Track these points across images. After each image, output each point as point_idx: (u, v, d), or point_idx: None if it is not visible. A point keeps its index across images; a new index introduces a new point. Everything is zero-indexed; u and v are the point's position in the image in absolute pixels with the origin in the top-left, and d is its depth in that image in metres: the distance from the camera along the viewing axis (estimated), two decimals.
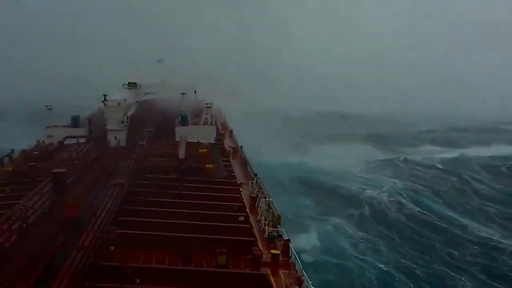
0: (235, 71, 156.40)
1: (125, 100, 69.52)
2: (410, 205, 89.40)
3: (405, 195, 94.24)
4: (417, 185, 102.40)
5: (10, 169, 53.38)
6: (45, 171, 48.02)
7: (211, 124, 75.51)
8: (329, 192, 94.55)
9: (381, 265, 65.65)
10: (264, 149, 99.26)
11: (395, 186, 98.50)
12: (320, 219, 79.74)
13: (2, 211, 37.06)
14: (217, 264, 33.88)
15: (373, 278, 62.51)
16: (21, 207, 34.67)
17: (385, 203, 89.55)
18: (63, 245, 33.40)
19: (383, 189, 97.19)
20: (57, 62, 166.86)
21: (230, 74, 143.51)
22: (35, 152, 60.88)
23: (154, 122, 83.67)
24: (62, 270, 29.45)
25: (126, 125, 67.12)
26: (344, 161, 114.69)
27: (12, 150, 62.12)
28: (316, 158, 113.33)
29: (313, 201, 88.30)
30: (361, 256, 68.02)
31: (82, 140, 66.81)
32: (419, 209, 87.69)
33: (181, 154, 58.69)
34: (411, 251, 70.73)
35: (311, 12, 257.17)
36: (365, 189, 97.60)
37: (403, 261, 67.62)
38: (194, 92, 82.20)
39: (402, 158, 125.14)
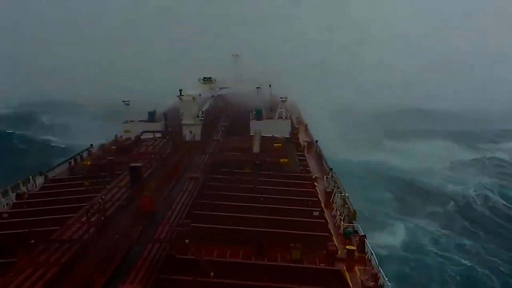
0: (312, 66, 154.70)
1: (200, 94, 70.21)
2: (497, 200, 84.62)
3: (493, 191, 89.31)
4: (504, 181, 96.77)
5: (89, 163, 54.99)
6: (122, 165, 49.07)
7: (285, 118, 74.95)
8: (409, 188, 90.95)
9: (465, 261, 62.55)
10: (341, 144, 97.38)
11: (482, 183, 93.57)
12: (399, 215, 77.05)
13: (82, 204, 38.08)
14: (291, 259, 33.27)
15: (454, 274, 59.65)
16: (99, 200, 35.36)
17: (471, 199, 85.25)
18: (140, 238, 33.88)
19: (469, 185, 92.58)
20: (133, 58, 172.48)
21: (307, 69, 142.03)
22: (113, 147, 62.56)
23: (228, 117, 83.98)
24: (138, 262, 29.67)
25: (201, 120, 67.67)
26: (425, 158, 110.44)
27: (91, 145, 64.20)
28: (396, 154, 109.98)
29: (391, 197, 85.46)
30: (441, 253, 65.07)
31: (158, 135, 67.99)
32: (505, 203, 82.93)
33: (256, 148, 58.42)
34: (497, 247, 66.99)
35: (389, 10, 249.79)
36: (448, 186, 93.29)
37: (488, 257, 64.18)
38: (269, 86, 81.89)
39: (488, 155, 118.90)
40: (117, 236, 32.30)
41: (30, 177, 50.15)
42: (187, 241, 31.78)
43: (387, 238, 66.00)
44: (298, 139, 73.65)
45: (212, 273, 29.60)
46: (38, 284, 26.23)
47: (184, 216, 37.29)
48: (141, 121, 73.68)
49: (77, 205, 39.56)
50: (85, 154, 60.58)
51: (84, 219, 33.40)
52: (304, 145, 69.81)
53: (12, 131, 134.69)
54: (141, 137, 67.03)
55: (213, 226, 37.00)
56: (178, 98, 67.49)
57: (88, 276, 27.74)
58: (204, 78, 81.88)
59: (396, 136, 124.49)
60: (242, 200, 43.05)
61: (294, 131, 77.01)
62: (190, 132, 66.18)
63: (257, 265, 32.22)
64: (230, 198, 43.79)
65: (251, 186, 46.82)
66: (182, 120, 67.11)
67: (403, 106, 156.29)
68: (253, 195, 44.61)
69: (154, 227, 35.06)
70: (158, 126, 72.35)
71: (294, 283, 29.40)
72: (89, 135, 77.24)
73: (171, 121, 72.93)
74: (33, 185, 49.93)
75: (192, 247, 31.51)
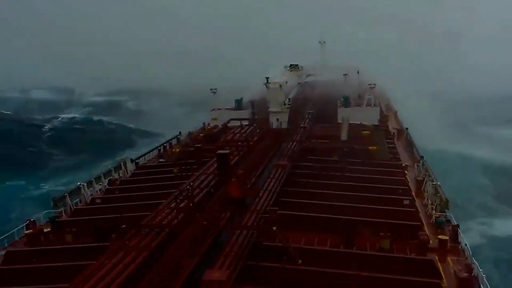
0: (407, 51, 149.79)
1: (286, 82, 69.58)
2: None
3: None
4: None
5: (177, 150, 56.10)
6: (210, 152, 49.49)
7: (374, 105, 73.03)
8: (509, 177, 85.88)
9: None
10: (432, 132, 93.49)
11: None
12: (496, 204, 72.98)
13: (171, 191, 38.68)
14: (381, 248, 32.35)
15: None
16: (188, 187, 35.69)
17: None
18: (227, 224, 33.92)
19: None
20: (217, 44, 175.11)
21: (397, 55, 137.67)
22: (201, 134, 63.51)
23: (315, 104, 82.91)
24: (226, 248, 29.62)
25: (287, 107, 67.15)
26: None
27: (180, 133, 65.51)
28: (492, 143, 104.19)
29: (487, 186, 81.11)
30: None
31: (246, 122, 68.22)
32: None
33: (343, 135, 57.29)
34: None
35: None
36: None
37: None
38: (357, 73, 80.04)
39: None
40: (205, 222, 32.42)
41: (122, 163, 51.85)
42: (274, 228, 31.43)
43: (483, 228, 62.77)
44: (387, 126, 71.65)
45: (299, 261, 29.10)
46: (130, 267, 26.74)
47: (271, 203, 37.03)
48: (228, 109, 74.34)
49: (166, 191, 40.29)
50: (174, 142, 61.85)
51: (173, 205, 33.77)
52: (393, 133, 67.75)
53: (100, 119, 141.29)
54: (228, 124, 67.53)
55: (301, 214, 36.59)
56: (264, 86, 67.32)
57: (177, 261, 27.98)
58: (291, 65, 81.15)
59: (493, 123, 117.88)
60: (330, 188, 42.34)
61: (383, 119, 75.05)
62: (277, 119, 65.85)
63: (346, 253, 31.51)
64: (318, 185, 43.21)
65: (339, 173, 45.96)
66: (269, 107, 66.89)
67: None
68: (341, 182, 43.70)
69: (241, 214, 34.98)
70: (245, 113, 72.70)
71: (384, 272, 28.32)
72: (177, 122, 78.96)
73: (258, 108, 73.00)
74: (124, 171, 51.60)
75: (280, 234, 31.15)
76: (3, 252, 34.53)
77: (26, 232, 37.62)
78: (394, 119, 79.52)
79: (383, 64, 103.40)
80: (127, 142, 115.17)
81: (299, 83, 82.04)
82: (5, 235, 36.71)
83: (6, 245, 36.27)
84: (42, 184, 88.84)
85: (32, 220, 39.13)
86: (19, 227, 37.98)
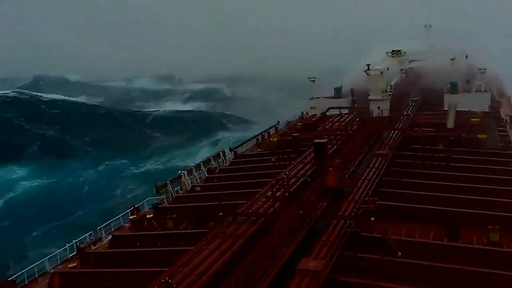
0: None
1: (388, 68, 67.36)
2: None
3: None
4: None
5: (275, 139, 56.01)
6: (307, 141, 48.88)
7: (484, 91, 68.79)
8: None
9: None
10: None
11: None
12: None
13: (268, 179, 38.56)
14: (489, 241, 30.23)
15: None
16: (284, 175, 35.38)
17: None
18: (324, 214, 33.26)
19: None
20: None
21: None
22: (299, 123, 62.98)
23: (419, 91, 79.46)
24: (322, 238, 29.02)
25: (389, 95, 64.96)
26: None
27: (278, 122, 65.41)
28: None
29: None
30: None
31: (345, 111, 66.75)
32: None
33: (450, 123, 54.45)
34: None
35: None
36: None
37: None
38: (465, 57, 75.87)
39: None
40: (301, 212, 31.98)
41: (221, 153, 52.63)
42: (372, 219, 30.41)
43: None
44: (499, 113, 67.07)
45: (399, 253, 27.86)
46: (226, 254, 26.93)
47: (370, 194, 35.84)
48: (327, 97, 73.12)
49: (263, 180, 40.31)
50: (272, 131, 61.84)
51: (269, 194, 33.61)
52: (506, 120, 63.27)
53: (197, 105, 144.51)
54: (327, 113, 66.45)
55: (402, 204, 35.26)
56: (365, 73, 65.59)
57: (273, 249, 27.80)
58: (393, 51, 78.39)
59: None
60: (434, 178, 40.63)
61: (495, 105, 70.39)
62: (378, 107, 63.95)
63: (450, 246, 29.79)
64: (421, 176, 41.56)
65: (444, 163, 43.68)
66: (369, 95, 65.06)
67: None
68: (446, 173, 41.59)
69: (338, 204, 34.19)
70: (344, 102, 71.23)
71: (492, 268, 26.34)
72: (273, 109, 78.99)
73: (358, 96, 71.21)
74: (223, 160, 52.34)
75: (378, 225, 30.10)
76: (109, 237, 36.30)
77: (130, 217, 39.29)
78: (508, 106, 74.38)
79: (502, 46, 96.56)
80: (222, 127, 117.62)
81: (401, 69, 79.05)
82: (112, 219, 38.55)
83: (112, 229, 38.06)
84: (141, 164, 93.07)
85: (136, 206, 40.81)
86: (124, 213, 39.75)
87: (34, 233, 65.17)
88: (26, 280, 31.44)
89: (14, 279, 30.72)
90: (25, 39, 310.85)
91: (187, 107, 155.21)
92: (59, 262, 33.58)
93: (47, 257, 32.96)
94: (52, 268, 32.65)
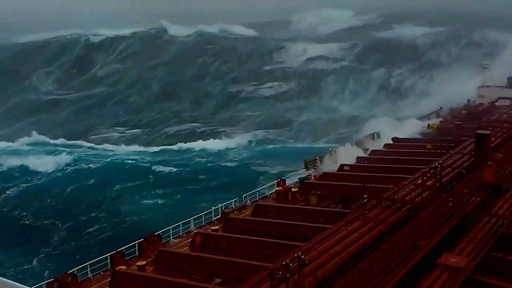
0: None
1: None
2: None
3: None
4: None
5: (435, 126, 53.57)
6: (470, 131, 46.03)
7: None
8: None
9: None
10: None
11: None
12: None
13: (421, 166, 37.05)
14: None
15: None
16: (438, 164, 33.79)
17: None
18: (476, 209, 31.39)
19: None
20: None
21: None
22: (464, 111, 59.43)
23: None
24: (470, 234, 27.55)
25: None
26: None
27: (441, 108, 62.30)
28: None
29: None
30: None
31: None
32: None
33: None
34: None
35: None
36: None
37: None
38: None
39: None
40: (450, 204, 30.47)
41: (375, 134, 51.67)
42: None
43: None
44: None
45: None
46: (365, 238, 26.49)
47: None
48: (499, 86, 67.81)
49: (416, 166, 38.94)
50: (433, 116, 59.25)
51: (419, 181, 32.29)
52: None
53: None
54: (496, 103, 61.82)
55: None
56: None
57: (414, 239, 26.95)
58: None
59: None
60: None
61: None
62: None
63: None
64: None
65: None
66: None
67: None
68: None
69: (494, 201, 32.00)
70: None
71: None
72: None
73: None
74: (377, 142, 51.33)
75: None
76: (253, 205, 37.70)
77: (276, 189, 40.34)
78: None
79: None
80: None
81: None
82: (258, 188, 39.98)
83: (257, 199, 39.48)
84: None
85: (283, 179, 41.78)
86: (270, 184, 40.94)
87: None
88: (171, 236, 33.83)
89: (160, 234, 33.18)
90: None
91: None
92: (203, 223, 35.63)
93: (192, 217, 35.12)
94: (196, 228, 34.85)
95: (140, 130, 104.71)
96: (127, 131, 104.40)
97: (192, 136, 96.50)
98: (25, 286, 22.29)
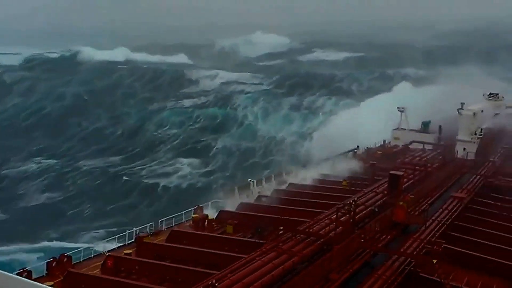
0: None
1: (482, 111, 64.80)
2: None
3: None
4: None
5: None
6: (384, 171, 47.81)
7: None
8: None
9: None
10: None
11: None
12: None
13: (335, 202, 37.92)
14: None
15: None
16: (352, 201, 34.77)
17: None
18: (386, 247, 32.42)
19: None
20: None
21: None
22: (379, 152, 61.72)
23: None
24: (378, 271, 28.32)
25: (478, 138, 62.38)
26: None
27: (358, 147, 64.36)
28: None
29: None
30: None
31: (429, 147, 64.71)
32: None
33: None
34: None
35: None
36: None
37: None
38: None
39: None
40: (362, 240, 31.34)
41: (293, 168, 52.60)
42: (435, 261, 29.23)
43: None
44: None
45: None
46: (278, 269, 26.73)
47: (438, 235, 34.52)
48: (413, 130, 71.10)
49: (330, 202, 39.77)
50: (350, 155, 61.02)
51: (333, 217, 33.07)
52: None
53: None
54: (410, 146, 64.74)
55: (469, 252, 33.66)
56: (457, 111, 63.54)
57: (326, 273, 27.41)
58: (490, 94, 75.09)
59: None
60: (509, 232, 38.20)
61: None
62: (464, 149, 61.52)
63: None
64: (496, 226, 39.56)
65: None
66: (457, 135, 62.83)
67: None
68: None
69: (403, 240, 33.20)
70: (430, 137, 68.91)
71: None
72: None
73: (445, 134, 68.73)
74: (295, 175, 52.20)
75: (440, 268, 28.87)
76: (169, 231, 37.09)
77: (192, 216, 39.96)
78: None
79: None
80: None
81: (496, 114, 75.49)
82: (174, 215, 39.39)
83: (173, 224, 38.89)
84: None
85: (200, 206, 41.48)
86: (187, 210, 40.49)
87: None
88: (81, 258, 32.71)
89: (70, 255, 31.96)
90: None
91: None
92: (116, 247, 34.68)
93: (105, 240, 34.09)
94: (108, 251, 33.84)
95: None
96: None
97: None
98: (26, 279, 20.37)
